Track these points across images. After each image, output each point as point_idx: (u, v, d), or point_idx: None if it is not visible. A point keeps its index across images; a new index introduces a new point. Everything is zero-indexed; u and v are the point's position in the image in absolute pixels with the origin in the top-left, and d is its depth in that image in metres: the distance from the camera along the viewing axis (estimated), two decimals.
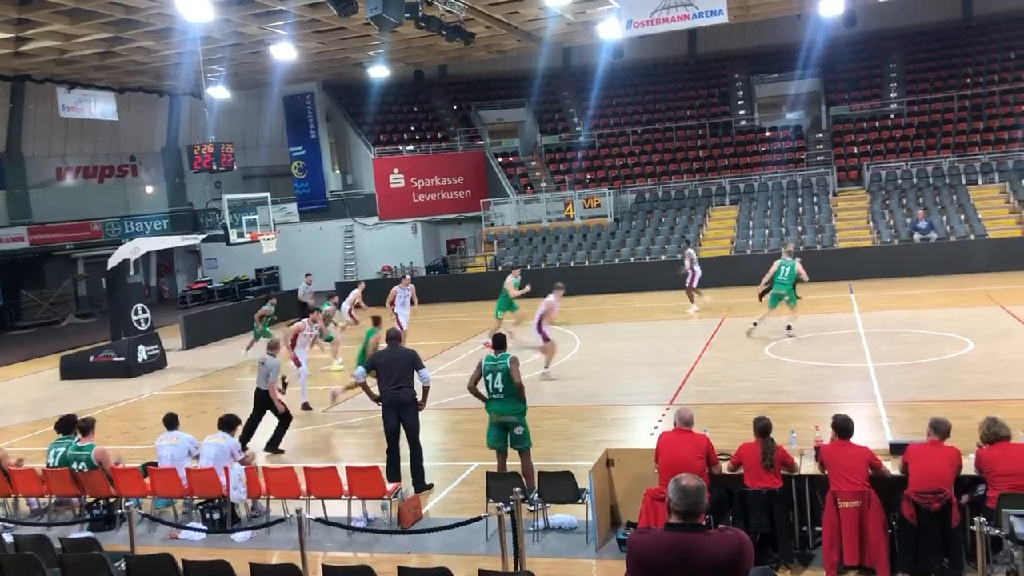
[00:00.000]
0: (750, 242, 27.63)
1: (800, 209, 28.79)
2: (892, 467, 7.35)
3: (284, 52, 24.63)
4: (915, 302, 20.20)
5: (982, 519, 6.10)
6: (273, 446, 12.08)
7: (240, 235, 22.20)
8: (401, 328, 18.19)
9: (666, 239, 28.80)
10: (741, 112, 34.13)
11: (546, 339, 15.71)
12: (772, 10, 28.56)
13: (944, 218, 26.26)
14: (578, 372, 16.18)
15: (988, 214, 25.91)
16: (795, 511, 7.59)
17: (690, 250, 22.66)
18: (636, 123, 34.65)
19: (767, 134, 33.21)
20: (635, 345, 18.03)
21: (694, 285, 21.85)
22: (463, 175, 33.70)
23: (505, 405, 9.32)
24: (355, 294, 20.74)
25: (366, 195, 34.15)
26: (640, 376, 15.19)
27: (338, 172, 35.65)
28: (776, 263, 17.52)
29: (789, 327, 17.27)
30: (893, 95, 32.36)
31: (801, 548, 7.54)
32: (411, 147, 34.90)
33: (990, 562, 6.29)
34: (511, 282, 19.35)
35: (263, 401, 12.04)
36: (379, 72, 30.16)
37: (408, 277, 20.58)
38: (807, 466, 7.65)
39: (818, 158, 31.43)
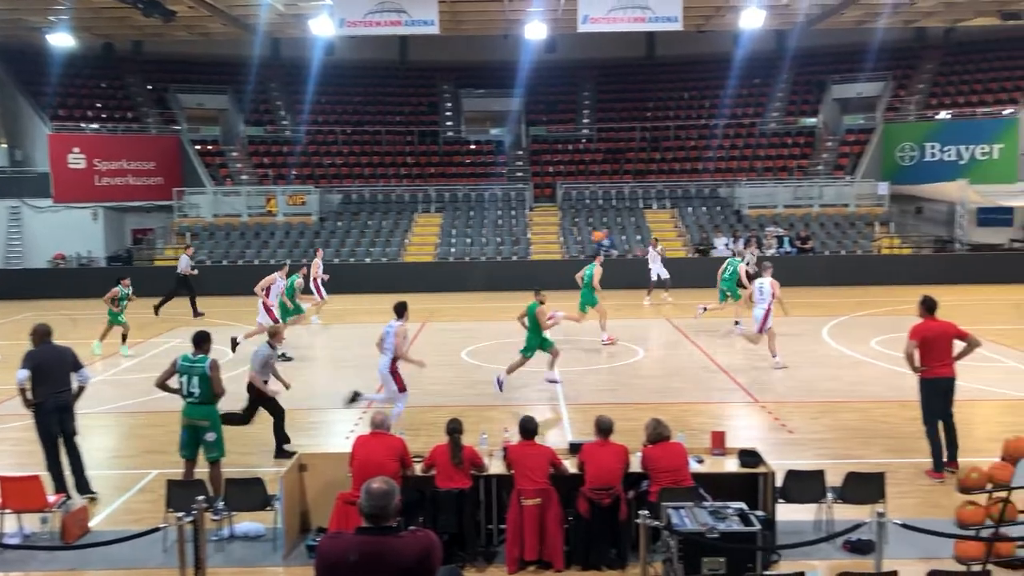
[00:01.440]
0: (452, 249, 28.46)
1: (499, 221, 30.15)
2: (571, 466, 7.87)
3: None
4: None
5: (645, 512, 6.72)
6: (280, 449, 10.63)
7: None
8: (277, 320, 16.38)
9: (371, 242, 28.85)
10: (449, 123, 35.11)
11: (762, 329, 14.64)
12: (481, 27, 29.69)
13: (624, 237, 28.83)
14: None
15: (660, 236, 28.72)
16: (483, 510, 7.89)
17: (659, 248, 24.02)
18: (346, 123, 34.38)
19: (472, 147, 34.45)
20: (338, 349, 17.81)
21: (653, 279, 23.33)
22: (155, 160, 31.44)
23: (199, 409, 8.79)
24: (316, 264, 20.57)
25: (39, 174, 30.62)
26: (339, 380, 15.01)
27: (5, 146, 31.63)
28: (727, 261, 18.97)
29: (737, 323, 17.99)
30: (585, 121, 35.01)
31: (486, 545, 7.84)
32: (96, 125, 31.91)
33: (650, 551, 6.92)
34: (599, 272, 17.71)
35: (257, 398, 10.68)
36: (61, 40, 27.20)
37: (287, 265, 18.45)
38: (496, 466, 7.98)
39: (517, 174, 33.15)
